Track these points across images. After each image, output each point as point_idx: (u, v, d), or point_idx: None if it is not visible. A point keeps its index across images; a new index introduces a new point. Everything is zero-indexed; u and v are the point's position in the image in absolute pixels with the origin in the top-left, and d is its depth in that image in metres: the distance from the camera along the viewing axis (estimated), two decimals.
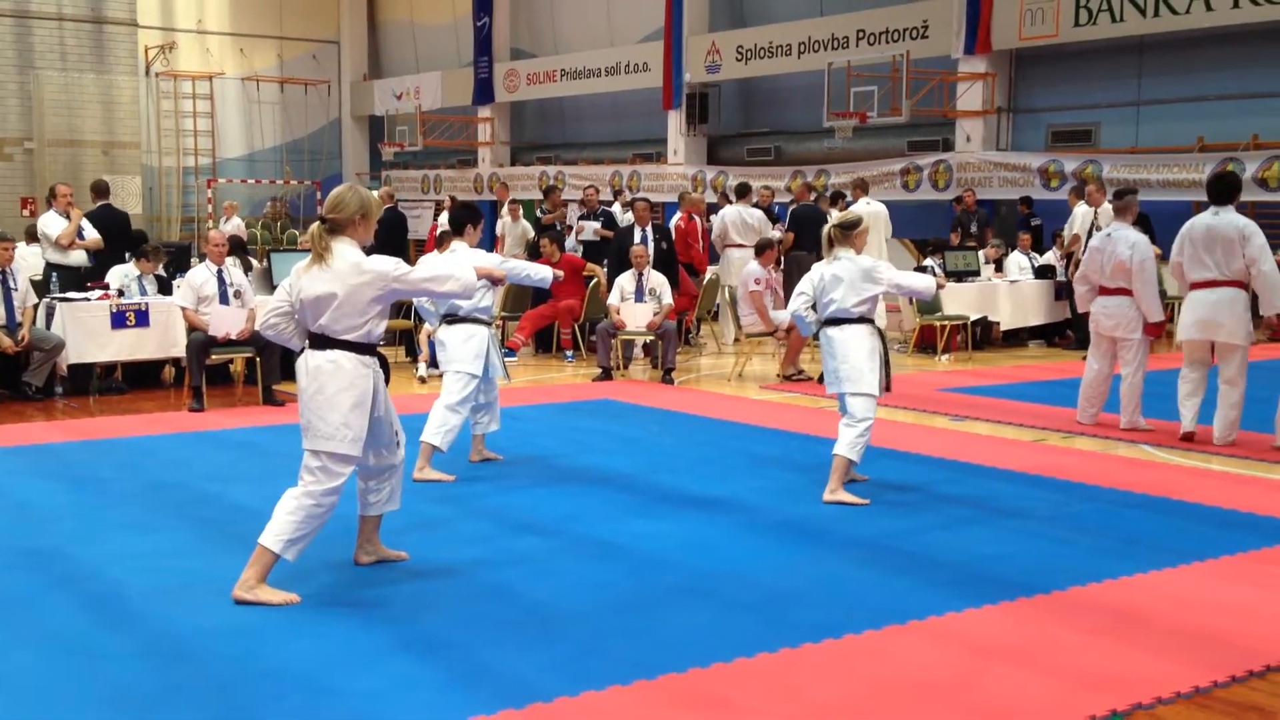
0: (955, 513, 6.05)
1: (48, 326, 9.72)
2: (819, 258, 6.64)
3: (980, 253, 14.12)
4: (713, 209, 15.89)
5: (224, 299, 9.48)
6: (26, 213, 22.04)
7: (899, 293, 6.78)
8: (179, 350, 9.86)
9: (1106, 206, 12.36)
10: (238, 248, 12.05)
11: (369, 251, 4.69)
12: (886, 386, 6.43)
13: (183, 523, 5.81)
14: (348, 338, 4.61)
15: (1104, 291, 8.29)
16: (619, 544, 5.44)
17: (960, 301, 12.92)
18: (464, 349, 6.80)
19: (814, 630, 4.25)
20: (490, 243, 15.57)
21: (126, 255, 10.80)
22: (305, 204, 27.26)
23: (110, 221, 11.76)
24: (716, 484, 6.69)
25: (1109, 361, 8.41)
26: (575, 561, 5.16)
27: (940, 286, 6.94)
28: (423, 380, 10.81)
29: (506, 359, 8.00)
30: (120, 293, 10.13)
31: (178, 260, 12.03)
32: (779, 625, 4.32)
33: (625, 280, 11.02)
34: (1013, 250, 14.48)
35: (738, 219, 13.69)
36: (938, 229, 16.31)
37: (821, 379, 6.79)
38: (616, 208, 14.94)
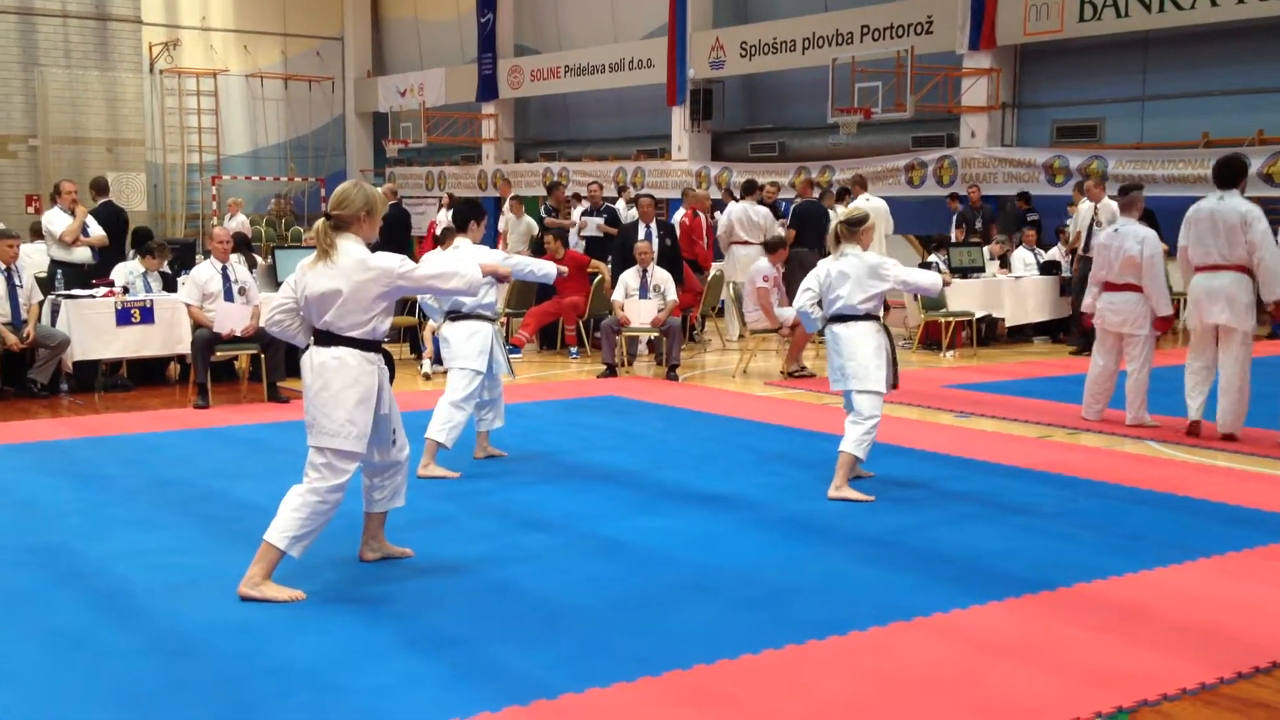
0: (960, 509, 6.04)
1: (53, 323, 9.72)
2: (821, 254, 6.63)
3: (985, 249, 14.11)
4: (717, 205, 15.87)
5: (229, 296, 9.49)
6: (31, 210, 22.06)
7: (906, 289, 6.76)
8: (184, 347, 9.86)
9: (1106, 202, 12.34)
10: (242, 245, 12.03)
11: (374, 248, 4.69)
12: (894, 383, 6.43)
13: (188, 519, 5.82)
14: (353, 334, 4.61)
15: (1110, 287, 8.26)
16: (624, 540, 5.43)
17: (965, 298, 12.91)
18: (468, 345, 6.80)
19: (819, 627, 4.24)
20: (493, 239, 15.57)
21: (129, 253, 10.80)
22: (310, 201, 27.26)
23: (110, 219, 11.77)
24: (721, 480, 6.68)
25: (1114, 357, 8.39)
26: (580, 558, 5.16)
27: (946, 283, 6.92)
28: (427, 377, 10.80)
29: (511, 355, 7.98)
30: (125, 290, 10.15)
31: (182, 257, 12.03)
32: (784, 622, 4.32)
33: (630, 277, 11.01)
34: (1018, 246, 14.46)
35: (744, 216, 13.68)
36: (942, 225, 16.30)
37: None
38: (620, 204, 14.93)
